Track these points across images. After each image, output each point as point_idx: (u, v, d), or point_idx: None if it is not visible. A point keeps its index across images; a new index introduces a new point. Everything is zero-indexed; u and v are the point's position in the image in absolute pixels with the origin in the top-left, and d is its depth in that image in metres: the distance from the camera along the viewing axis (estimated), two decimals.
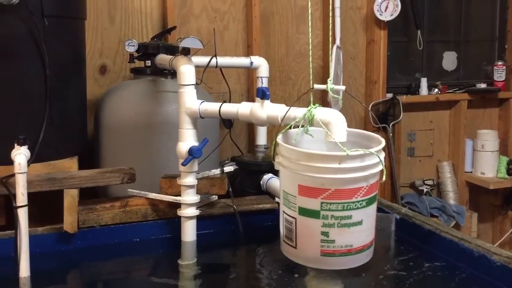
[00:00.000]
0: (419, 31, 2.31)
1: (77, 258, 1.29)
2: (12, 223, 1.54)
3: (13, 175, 1.13)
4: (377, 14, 2.12)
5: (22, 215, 1.10)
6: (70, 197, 1.25)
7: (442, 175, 2.38)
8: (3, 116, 1.31)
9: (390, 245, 1.37)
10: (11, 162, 1.17)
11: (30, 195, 1.14)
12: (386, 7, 2.12)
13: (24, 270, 1.10)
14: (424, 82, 2.35)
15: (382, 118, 2.23)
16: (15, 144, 1.15)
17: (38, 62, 1.32)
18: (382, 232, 1.39)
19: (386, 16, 2.13)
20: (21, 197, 1.10)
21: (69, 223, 1.25)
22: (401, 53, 2.39)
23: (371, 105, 2.20)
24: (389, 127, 2.23)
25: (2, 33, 1.29)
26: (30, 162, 1.17)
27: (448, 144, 2.42)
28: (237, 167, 1.56)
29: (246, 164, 1.69)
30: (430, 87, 2.38)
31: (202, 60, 1.57)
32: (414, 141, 2.39)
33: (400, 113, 2.23)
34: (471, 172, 2.41)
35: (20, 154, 1.11)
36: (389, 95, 2.25)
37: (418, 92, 2.37)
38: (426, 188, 2.36)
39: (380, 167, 1.11)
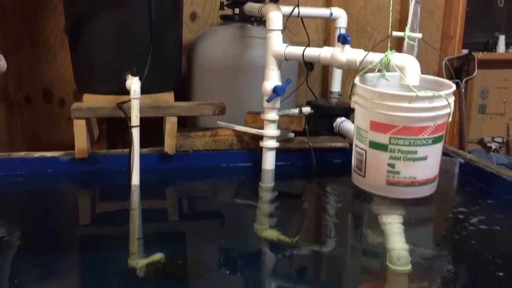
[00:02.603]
0: None
1: (174, 176, 1.52)
2: (112, 148, 1.81)
3: (128, 100, 1.34)
4: None
5: (135, 133, 1.32)
6: (171, 124, 1.46)
7: None
8: (117, 53, 1.52)
9: (453, 185, 1.49)
10: (122, 92, 1.39)
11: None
12: None
13: (135, 179, 1.34)
14: (502, 39, 2.35)
15: (456, 74, 2.28)
16: (129, 75, 1.37)
17: (146, 7, 1.51)
18: (447, 175, 1.51)
19: None
20: (135, 119, 1.32)
21: (169, 145, 1.47)
22: (481, 10, 2.39)
23: (445, 60, 2.25)
24: (462, 82, 2.28)
25: None
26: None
27: None
28: (312, 110, 1.71)
29: (321, 107, 1.84)
30: (508, 45, 2.37)
31: (286, 9, 1.70)
32: (487, 98, 2.42)
33: (474, 69, 2.26)
34: None
35: (134, 83, 1.33)
36: (465, 51, 2.29)
37: (495, 49, 2.37)
38: (495, 145, 2.41)
39: (448, 110, 1.22)
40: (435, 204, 1.32)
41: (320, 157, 1.58)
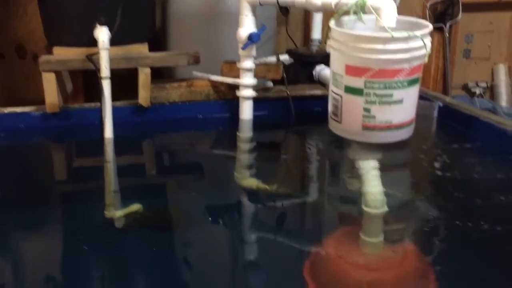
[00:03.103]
0: None
1: (150, 129, 1.49)
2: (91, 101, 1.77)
3: (97, 52, 1.30)
4: None
5: (106, 85, 1.29)
6: (144, 75, 1.42)
7: (496, 77, 2.39)
8: (86, 3, 1.46)
9: (432, 129, 1.48)
10: (94, 44, 1.35)
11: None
12: None
13: (108, 131, 1.31)
14: None
15: (440, 18, 2.23)
16: (97, 24, 1.32)
17: None
18: (425, 119, 1.49)
19: None
20: (105, 70, 1.28)
21: (143, 97, 1.44)
22: None
23: (429, 4, 2.20)
24: (445, 27, 2.24)
25: None
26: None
27: (506, 47, 2.40)
28: (291, 58, 1.67)
29: (300, 55, 1.79)
30: None
31: None
32: (471, 43, 2.38)
33: (458, 12, 2.22)
34: None
35: (103, 33, 1.28)
36: None
37: None
38: (479, 90, 2.39)
39: (424, 51, 1.19)
40: (412, 148, 1.31)
41: (299, 106, 1.56)
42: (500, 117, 1.35)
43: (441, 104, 1.48)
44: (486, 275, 0.85)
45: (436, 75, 2.27)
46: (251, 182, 1.22)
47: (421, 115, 1.46)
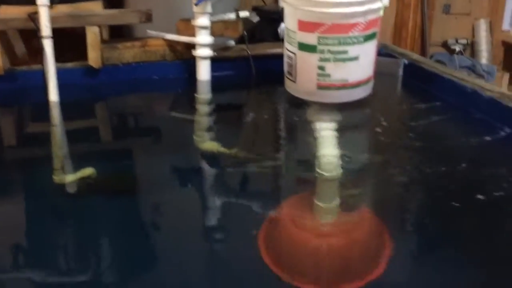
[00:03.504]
0: None
1: (104, 91, 1.43)
2: None
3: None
4: None
5: (48, 44, 1.22)
6: (93, 34, 1.35)
7: (477, 33, 2.31)
8: None
9: (395, 87, 1.42)
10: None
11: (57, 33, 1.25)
12: None
13: (53, 94, 1.25)
14: None
15: None
16: None
17: None
18: (390, 77, 1.43)
19: None
20: (45, 28, 1.21)
21: (93, 58, 1.37)
22: None
23: None
24: None
25: None
26: (56, 1, 1.27)
27: (488, 1, 2.31)
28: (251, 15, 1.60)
29: (266, 12, 1.72)
30: None
31: None
32: None
33: None
34: (509, 31, 2.32)
35: None
36: None
37: None
38: (459, 47, 2.32)
39: (380, 4, 1.12)
40: (372, 108, 1.26)
41: (260, 65, 1.50)
42: (463, 74, 1.28)
43: (406, 62, 1.42)
44: (441, 239, 0.81)
45: (414, 32, 2.20)
46: (211, 145, 1.17)
47: (386, 73, 1.40)
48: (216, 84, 1.44)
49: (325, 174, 0.98)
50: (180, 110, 1.44)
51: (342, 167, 0.99)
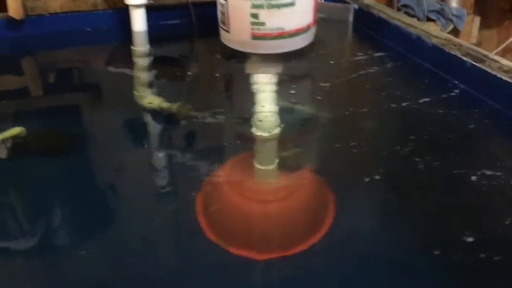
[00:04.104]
0: None
1: (30, 45, 1.32)
2: None
3: None
4: None
5: None
6: None
7: None
8: None
9: (343, 35, 1.32)
10: None
11: None
12: None
13: None
14: None
15: None
16: None
17: None
18: (340, 24, 1.34)
19: None
20: None
21: (13, 8, 1.25)
22: None
23: None
24: None
25: None
26: None
27: None
28: None
29: None
30: None
31: None
32: None
33: None
34: None
35: None
36: None
37: None
38: None
39: None
40: (312, 58, 1.17)
41: (201, 13, 1.39)
42: (412, 20, 1.19)
43: (356, 7, 1.32)
44: (388, 200, 0.76)
45: None
46: (151, 100, 1.08)
47: (336, 20, 1.30)
48: (154, 35, 1.34)
49: (262, 133, 0.90)
50: (116, 65, 1.33)
51: (280, 125, 0.92)
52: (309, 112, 1.02)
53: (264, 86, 1.08)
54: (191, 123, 0.98)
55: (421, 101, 0.94)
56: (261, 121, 0.93)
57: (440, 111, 0.92)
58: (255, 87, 1.08)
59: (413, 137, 0.85)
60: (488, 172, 0.74)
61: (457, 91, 0.96)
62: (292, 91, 1.08)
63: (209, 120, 1.01)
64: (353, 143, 0.86)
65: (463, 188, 0.75)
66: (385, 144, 0.86)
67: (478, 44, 2.24)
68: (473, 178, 0.74)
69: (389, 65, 1.10)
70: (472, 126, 0.87)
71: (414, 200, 0.75)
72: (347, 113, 0.96)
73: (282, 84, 1.07)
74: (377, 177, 0.76)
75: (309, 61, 1.16)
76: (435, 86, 1.00)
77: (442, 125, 0.89)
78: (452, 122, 0.89)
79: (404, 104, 0.94)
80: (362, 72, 1.08)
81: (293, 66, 1.15)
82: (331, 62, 1.17)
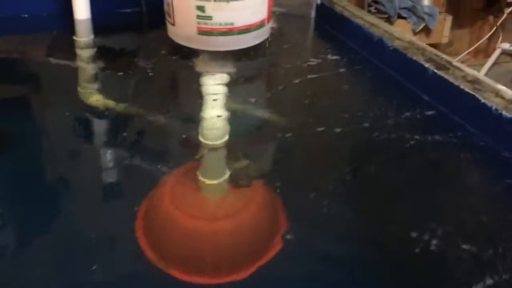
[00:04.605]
0: None
1: None
2: None
3: None
4: None
5: None
6: None
7: None
8: None
9: (304, 32, 1.23)
10: None
11: None
12: None
13: None
14: None
15: None
16: None
17: None
18: (301, 20, 1.24)
19: None
20: None
21: None
22: None
23: None
24: None
25: None
26: None
27: None
28: None
29: None
30: None
31: None
32: None
33: None
34: None
35: None
36: None
37: None
38: None
39: None
40: (266, 57, 1.07)
41: (154, 2, 1.27)
42: (376, 19, 1.10)
43: (318, 2, 1.22)
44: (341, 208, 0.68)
45: None
46: (97, 99, 0.98)
47: (297, 15, 1.21)
48: (99, 24, 1.22)
49: (208, 142, 0.81)
50: (57, 55, 1.22)
51: (229, 133, 0.82)
52: (260, 118, 0.93)
53: (212, 87, 0.98)
54: (135, 125, 0.89)
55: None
56: (206, 128, 0.83)
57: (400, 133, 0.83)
58: (202, 88, 0.98)
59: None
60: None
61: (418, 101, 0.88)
62: (242, 94, 0.99)
63: (155, 122, 0.92)
64: (307, 152, 0.77)
65: None
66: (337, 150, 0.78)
67: (450, 44, 2.18)
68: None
69: (344, 70, 1.01)
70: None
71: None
72: (300, 119, 0.88)
73: (232, 86, 0.98)
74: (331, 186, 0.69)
75: (262, 61, 1.07)
76: (395, 98, 0.91)
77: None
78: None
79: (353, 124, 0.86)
80: (312, 76, 0.99)
81: (244, 66, 1.05)
82: (286, 62, 1.08)
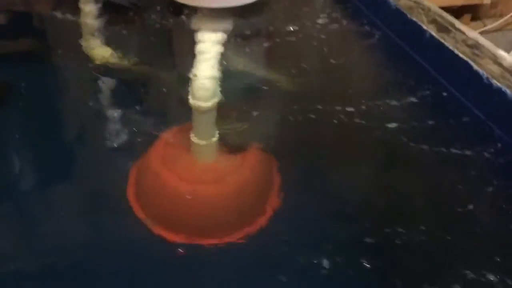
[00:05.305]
0: None
1: None
2: None
3: None
4: None
5: None
6: None
7: None
8: None
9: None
10: None
11: None
12: None
13: None
14: None
15: None
16: None
17: None
18: None
19: None
20: None
21: None
22: None
23: None
24: None
25: None
26: None
27: None
28: None
29: None
30: None
31: None
32: None
33: None
34: None
35: None
36: None
37: None
38: None
39: None
40: (267, 14, 1.05)
41: None
42: None
43: None
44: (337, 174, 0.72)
45: None
46: (100, 52, 1.00)
47: None
48: None
49: (199, 102, 0.80)
50: (63, 10, 1.22)
51: (222, 93, 0.82)
52: (258, 78, 0.92)
53: (204, 45, 0.96)
54: (135, 83, 0.92)
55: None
56: (196, 88, 0.83)
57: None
58: (197, 46, 0.97)
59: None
60: None
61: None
62: (241, 53, 0.98)
63: (154, 80, 0.93)
64: (300, 118, 0.77)
65: None
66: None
67: (494, 5, 1.99)
68: None
69: (346, 29, 0.98)
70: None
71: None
72: (302, 79, 0.87)
73: (231, 45, 0.96)
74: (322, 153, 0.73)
75: (263, 18, 1.05)
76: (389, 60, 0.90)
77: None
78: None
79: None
80: (321, 36, 0.97)
81: (244, 24, 1.03)
82: (290, 20, 1.06)
